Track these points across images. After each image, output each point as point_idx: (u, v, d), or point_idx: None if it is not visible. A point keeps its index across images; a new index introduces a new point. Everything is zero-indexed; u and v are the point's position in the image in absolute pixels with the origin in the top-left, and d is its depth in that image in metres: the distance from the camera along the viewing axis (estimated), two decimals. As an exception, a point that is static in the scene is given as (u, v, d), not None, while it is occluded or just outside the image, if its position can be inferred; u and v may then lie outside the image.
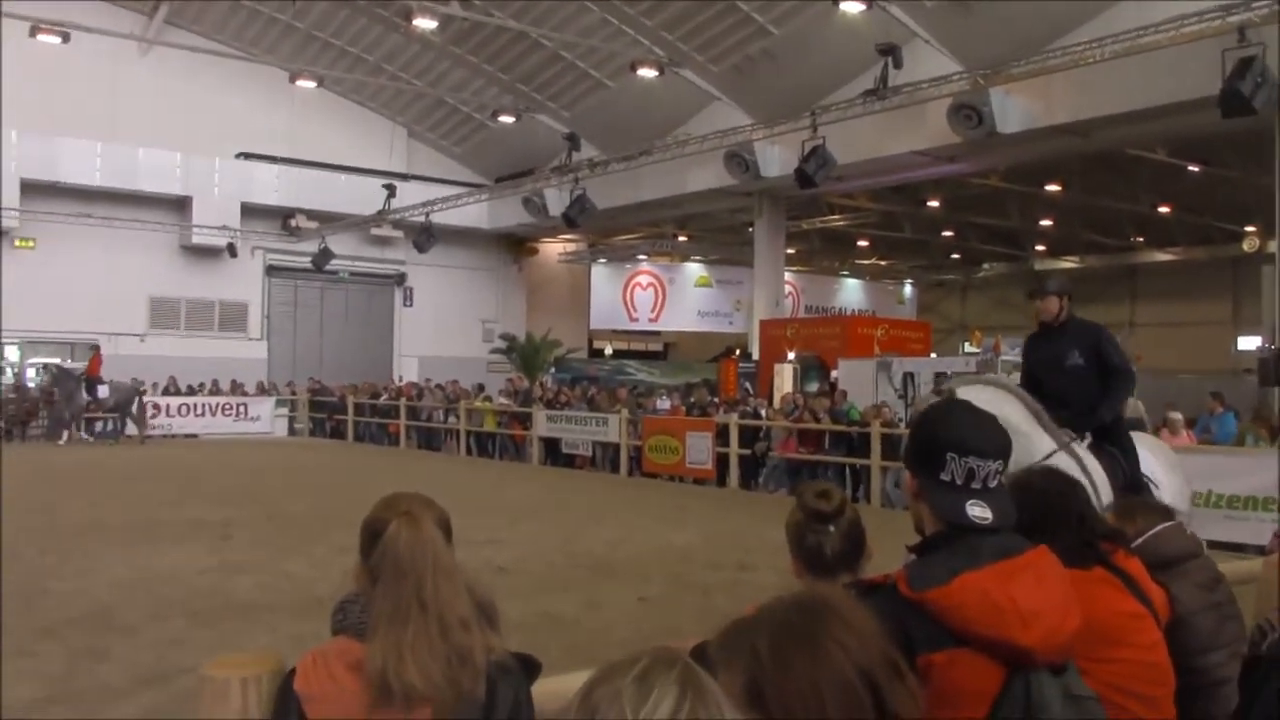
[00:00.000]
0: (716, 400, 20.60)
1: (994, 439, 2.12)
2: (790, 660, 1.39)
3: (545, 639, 5.92)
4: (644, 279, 37.27)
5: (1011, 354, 17.31)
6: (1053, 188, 29.11)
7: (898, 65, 17.21)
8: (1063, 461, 5.10)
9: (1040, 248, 39.65)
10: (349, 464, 20.20)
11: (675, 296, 37.55)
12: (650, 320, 37.65)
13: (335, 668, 2.01)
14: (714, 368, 30.16)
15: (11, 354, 27.16)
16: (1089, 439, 5.88)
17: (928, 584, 1.94)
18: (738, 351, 28.21)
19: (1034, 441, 5.32)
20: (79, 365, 25.14)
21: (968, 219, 33.89)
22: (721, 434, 17.00)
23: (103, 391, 23.89)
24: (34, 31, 22.65)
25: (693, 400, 19.72)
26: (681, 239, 36.23)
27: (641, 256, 37.03)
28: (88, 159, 26.67)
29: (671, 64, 22.59)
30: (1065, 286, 6.37)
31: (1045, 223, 35.00)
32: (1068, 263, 39.45)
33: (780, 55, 21.14)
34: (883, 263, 42.16)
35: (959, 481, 2.05)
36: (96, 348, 25.77)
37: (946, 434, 2.09)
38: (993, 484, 2.07)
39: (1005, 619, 1.89)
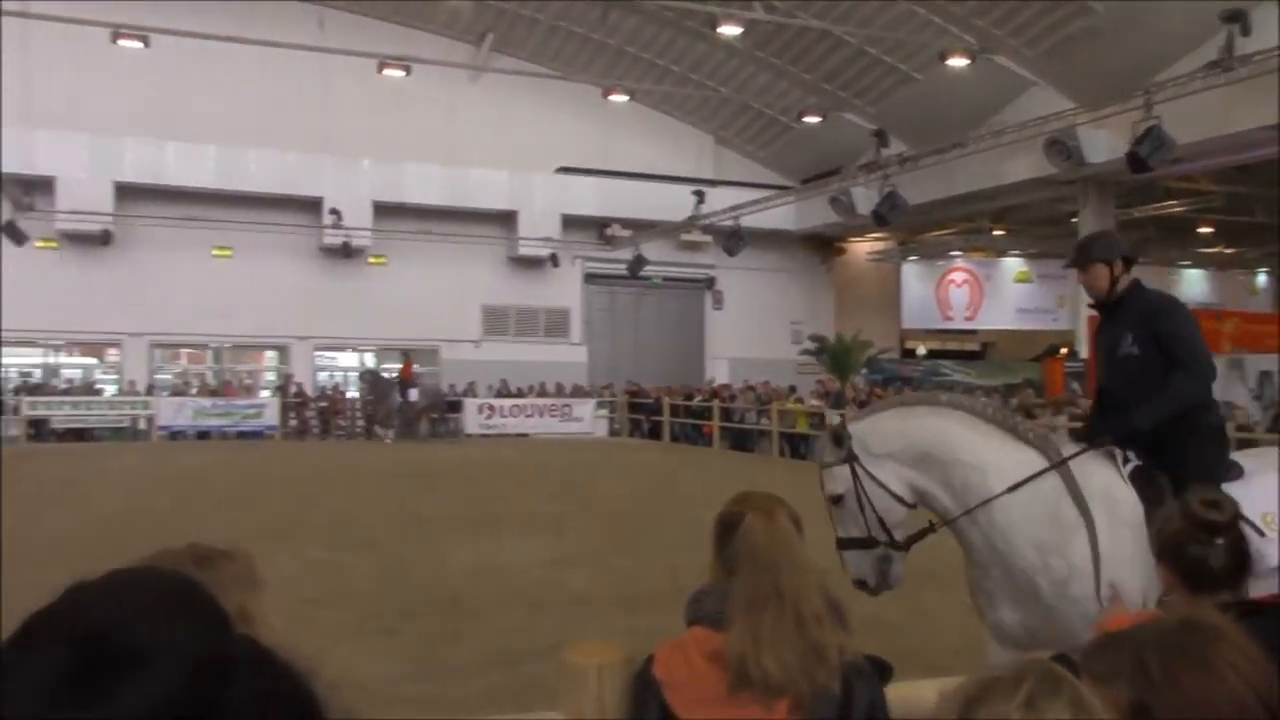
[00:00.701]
0: (1042, 402, 19.51)
1: None
2: (1183, 681, 1.31)
3: (873, 644, 5.83)
4: (958, 275, 35.91)
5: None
6: None
7: (1245, 33, 15.58)
8: (1049, 485, 4.13)
9: None
10: (666, 464, 20.82)
11: (993, 293, 35.90)
12: (966, 318, 36.21)
13: (693, 656, 2.08)
14: (1037, 367, 28.62)
15: (368, 360, 30.10)
16: (1127, 457, 4.35)
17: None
18: (1063, 350, 26.58)
19: (989, 467, 4.21)
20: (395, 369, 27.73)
21: (1333, 197, 30.10)
22: (1047, 437, 16.04)
23: (413, 394, 26.22)
24: (380, 67, 25.08)
25: (1016, 402, 18.79)
26: (998, 233, 34.57)
27: (955, 252, 35.69)
28: (428, 181, 29.15)
29: (983, 51, 21.64)
30: (1113, 249, 4.64)
31: None
32: None
33: (1106, 32, 19.71)
34: (1229, 251, 38.24)
35: None
36: (408, 354, 28.00)
37: None
38: None
39: None
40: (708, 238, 30.67)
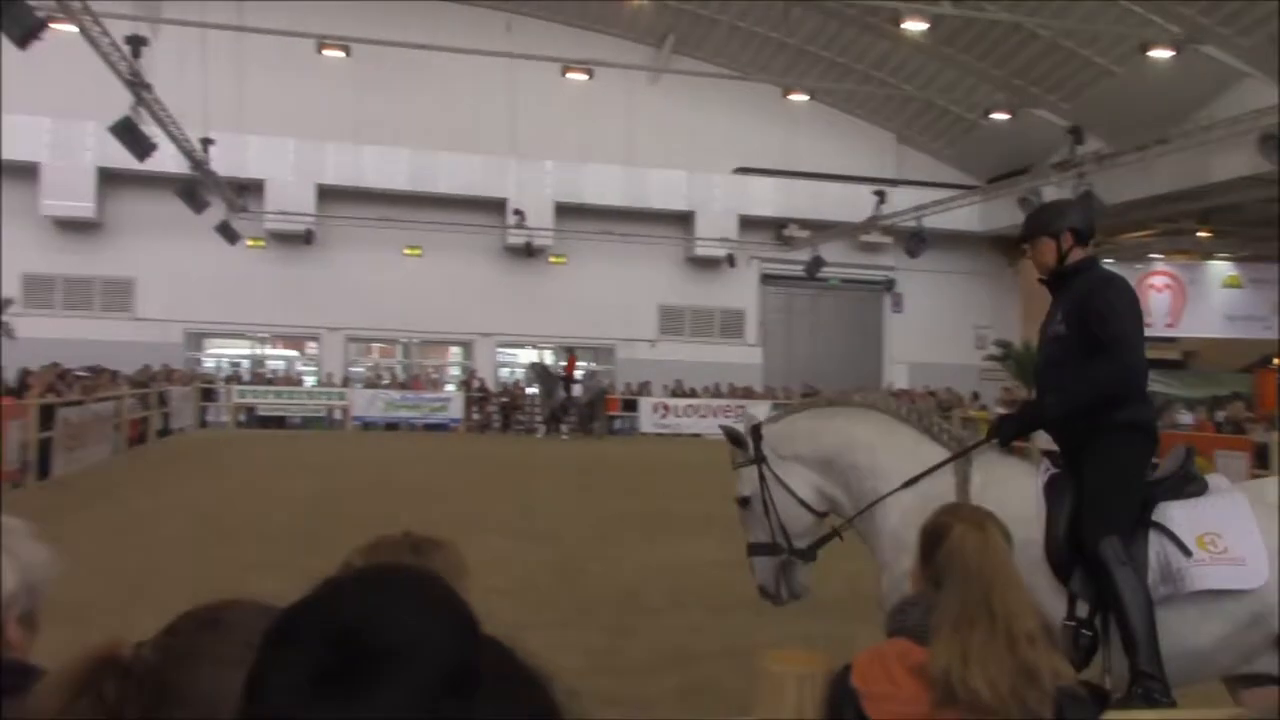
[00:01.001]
0: (1253, 416, 18.23)
1: None
2: None
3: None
4: (1159, 280, 33.89)
5: None
6: None
7: None
8: (939, 490, 3.74)
9: None
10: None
11: (1197, 299, 33.74)
12: (1166, 325, 34.13)
13: (894, 668, 2.03)
14: (1247, 379, 26.79)
15: (547, 358, 30.84)
16: (1054, 464, 3.96)
17: None
18: (1277, 360, 24.79)
19: (887, 471, 3.93)
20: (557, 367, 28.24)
21: None
22: (1259, 455, 14.98)
23: (576, 390, 26.69)
24: (564, 71, 25.62)
25: (1224, 416, 17.60)
26: (1203, 235, 32.49)
27: (1155, 255, 33.74)
28: (608, 182, 29.62)
29: (1190, 41, 20.39)
30: (1059, 219, 4.12)
31: None
32: None
33: (1331, 17, 18.28)
34: None
35: None
36: (572, 351, 28.45)
37: None
38: None
39: None
40: (888, 238, 30.03)
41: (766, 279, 32.02)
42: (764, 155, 30.65)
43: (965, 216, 28.97)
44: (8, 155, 25.88)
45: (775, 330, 32.46)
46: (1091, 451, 3.79)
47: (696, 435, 27.70)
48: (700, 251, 30.59)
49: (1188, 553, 3.55)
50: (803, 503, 4.16)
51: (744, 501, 4.29)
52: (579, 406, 26.97)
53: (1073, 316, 3.97)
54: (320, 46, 24.33)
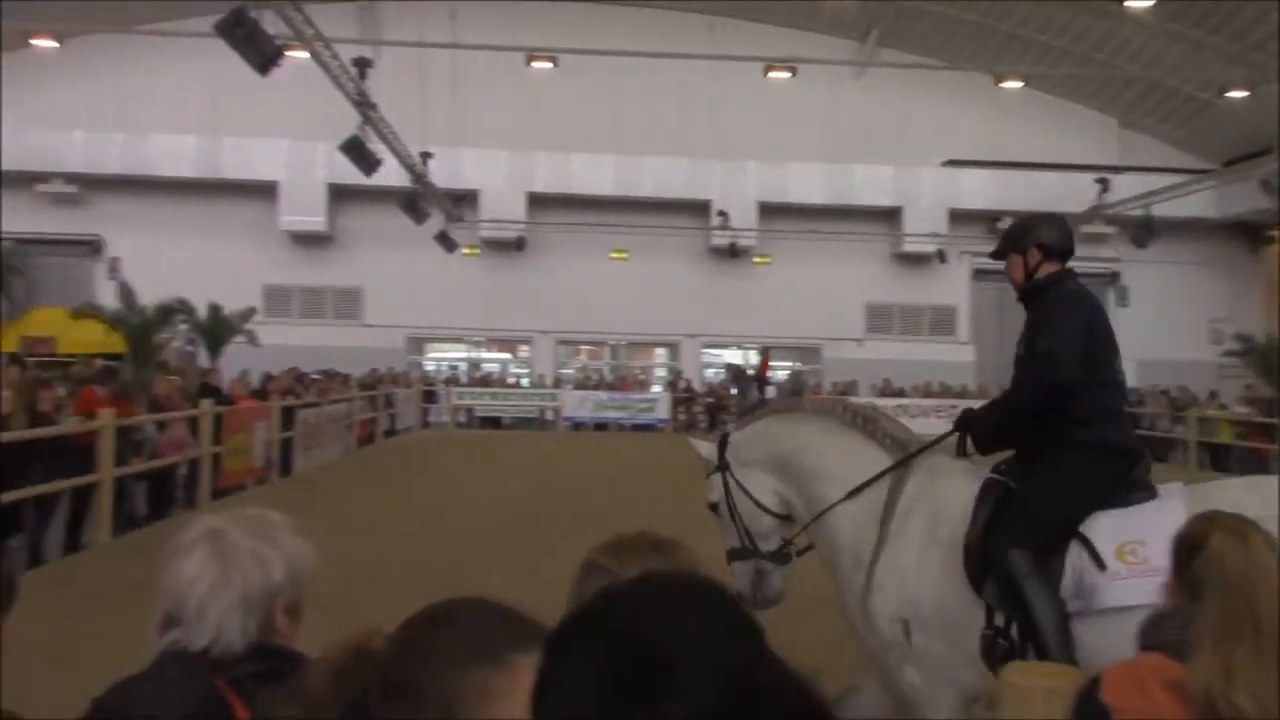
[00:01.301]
0: None
1: None
2: None
3: None
4: None
5: None
6: None
7: None
8: (882, 495, 3.79)
9: None
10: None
11: None
12: None
13: (1149, 684, 1.91)
14: None
15: (752, 358, 30.80)
16: (998, 470, 3.82)
17: None
18: None
19: (834, 475, 3.93)
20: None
21: None
22: None
23: (770, 390, 26.34)
24: (767, 70, 25.50)
25: None
26: None
27: None
28: (812, 179, 29.32)
29: None
30: (1025, 236, 4.03)
31: None
32: None
33: None
34: None
35: None
36: (766, 351, 28.13)
37: None
38: None
39: None
40: (1112, 229, 28.44)
41: (979, 274, 30.86)
42: (974, 146, 29.58)
43: (1199, 203, 27.10)
44: (251, 176, 28.14)
45: (988, 327, 31.24)
46: (1038, 464, 3.75)
47: (906, 436, 26.99)
48: (909, 247, 29.83)
49: (1102, 566, 3.43)
50: (761, 505, 4.19)
51: (713, 507, 4.35)
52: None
53: (1028, 333, 3.94)
54: (529, 59, 25.20)
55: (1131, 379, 26.90)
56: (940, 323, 30.89)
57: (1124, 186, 26.51)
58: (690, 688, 0.76)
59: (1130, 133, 30.27)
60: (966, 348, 30.89)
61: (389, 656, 1.06)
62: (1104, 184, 25.67)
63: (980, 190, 29.71)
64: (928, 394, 28.22)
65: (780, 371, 30.05)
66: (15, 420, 9.08)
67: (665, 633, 0.79)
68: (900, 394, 28.20)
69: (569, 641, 0.83)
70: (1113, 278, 30.61)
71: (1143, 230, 25.02)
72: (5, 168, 27.43)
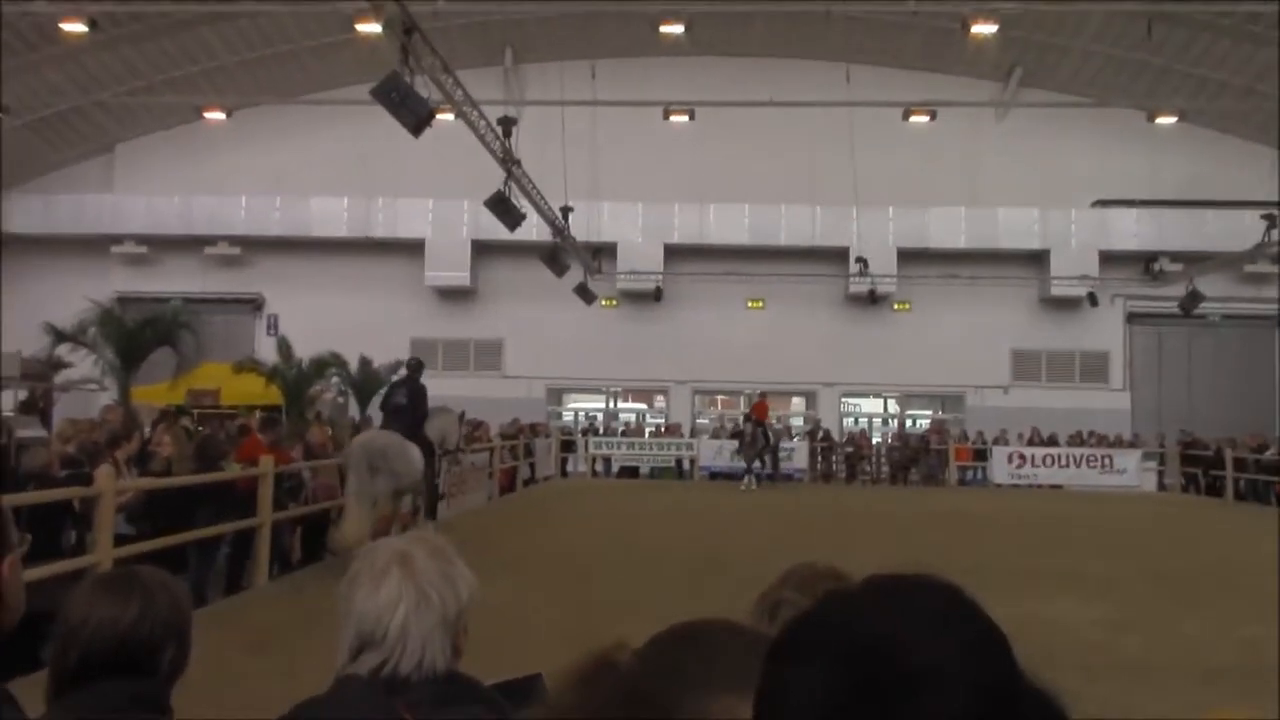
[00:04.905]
0: None
1: None
2: None
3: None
4: None
5: None
6: None
7: None
8: None
9: None
10: (1230, 523, 18.42)
11: None
12: None
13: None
14: None
15: (892, 407, 30.22)
16: None
17: None
18: None
19: None
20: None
21: None
22: None
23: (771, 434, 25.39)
24: (906, 115, 25.22)
25: None
26: None
27: None
28: (953, 224, 28.75)
29: None
30: None
31: None
32: None
33: None
34: None
35: None
36: (762, 395, 26.46)
37: None
38: None
39: None
40: (1277, 268, 26.92)
41: (1133, 317, 29.63)
42: (1126, 185, 28.56)
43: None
44: (399, 234, 29.29)
45: (1145, 373, 29.90)
46: None
47: (1057, 486, 25.95)
48: (1056, 291, 28.85)
49: None
50: None
51: None
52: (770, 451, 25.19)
53: None
54: (666, 112, 25.56)
55: (1297, 428, 25.16)
56: (1092, 369, 29.69)
57: (1290, 223, 25.09)
58: (940, 701, 0.70)
59: (1297, 166, 28.71)
60: (1121, 394, 29.59)
61: (636, 671, 1.01)
62: (1271, 220, 24.29)
63: (1133, 231, 28.61)
64: (1079, 442, 27.08)
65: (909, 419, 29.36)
66: (181, 466, 9.59)
67: (911, 640, 0.72)
68: (1051, 442, 27.14)
69: (803, 649, 0.76)
70: (1279, 320, 28.94)
71: (1312, 269, 23.61)
72: (177, 232, 29.35)
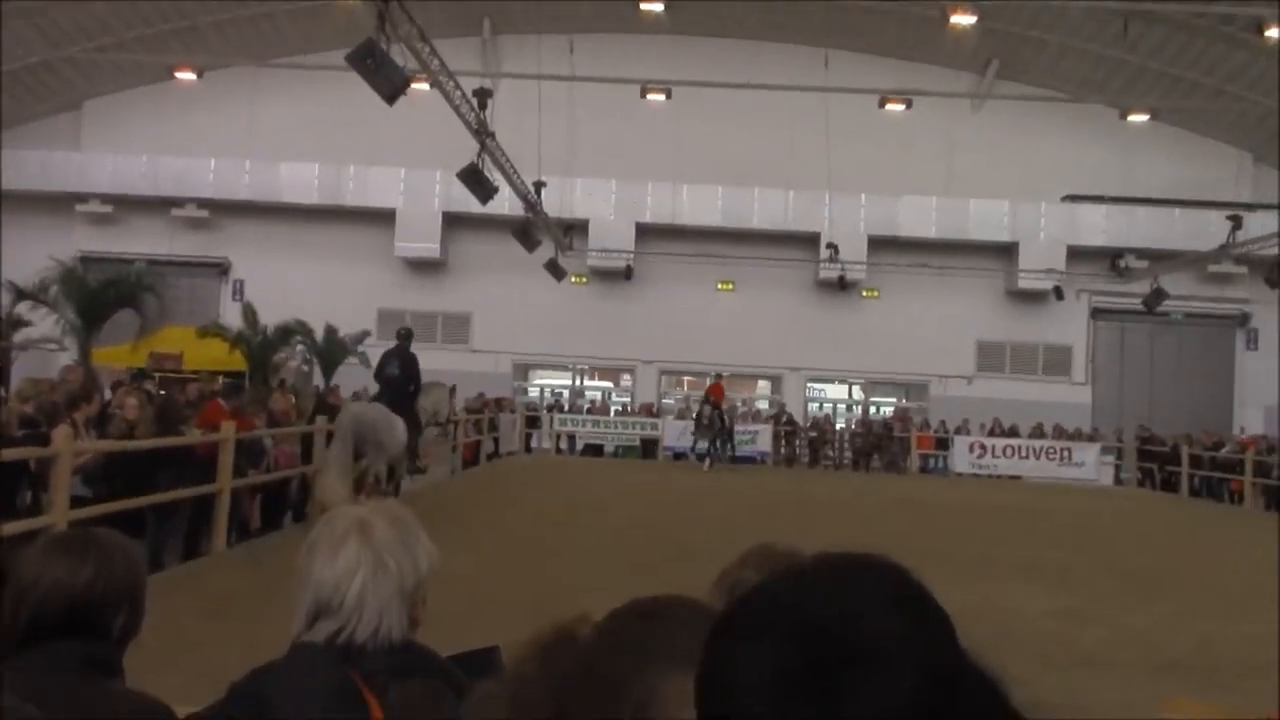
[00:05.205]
0: None
1: None
2: None
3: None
4: None
5: None
6: None
7: None
8: None
9: None
10: (1185, 519, 18.73)
11: None
12: None
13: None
14: None
15: (857, 393, 30.40)
16: None
17: None
18: None
19: None
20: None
21: None
22: None
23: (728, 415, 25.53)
24: (882, 102, 25.24)
25: None
26: None
27: None
28: (925, 213, 28.89)
29: None
30: None
31: None
32: None
33: None
34: None
35: None
36: (719, 376, 26.35)
37: None
38: None
39: None
40: (1242, 268, 27.31)
41: (1097, 313, 29.94)
42: (1096, 181, 28.80)
43: (1338, 243, 25.74)
44: (370, 203, 29.01)
45: (1106, 368, 30.25)
46: None
47: (1016, 478, 26.23)
48: (1024, 284, 29.08)
49: None
50: None
51: None
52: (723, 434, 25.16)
53: None
54: (644, 91, 25.43)
55: (1257, 426, 25.82)
56: (1055, 363, 30.00)
57: (1256, 224, 25.40)
58: (884, 679, 0.70)
59: (1265, 168, 29.06)
60: (1083, 389, 29.92)
61: (594, 645, 1.03)
62: (1237, 221, 24.60)
63: (1102, 227, 28.87)
64: (1039, 435, 27.38)
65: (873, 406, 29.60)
66: (143, 430, 9.46)
67: (856, 619, 0.73)
68: (1012, 433, 27.41)
69: (748, 627, 0.76)
70: (1242, 319, 29.38)
71: (1275, 270, 23.91)
72: (144, 193, 28.89)
